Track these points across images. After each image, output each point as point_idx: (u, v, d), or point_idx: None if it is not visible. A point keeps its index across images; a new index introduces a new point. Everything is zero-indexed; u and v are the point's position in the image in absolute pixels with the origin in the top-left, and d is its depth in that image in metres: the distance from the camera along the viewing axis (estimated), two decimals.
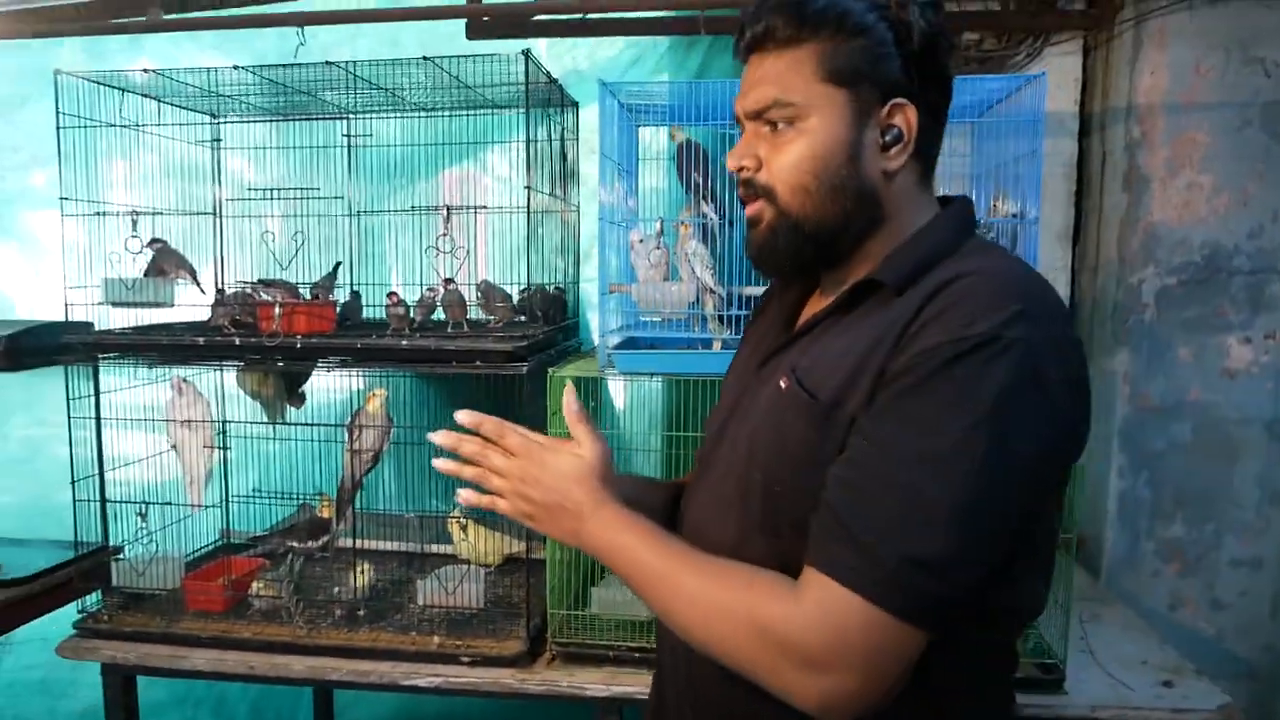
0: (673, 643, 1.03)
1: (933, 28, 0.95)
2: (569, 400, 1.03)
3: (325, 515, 2.25)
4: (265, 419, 2.22)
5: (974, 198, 2.14)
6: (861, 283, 0.96)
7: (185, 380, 2.13)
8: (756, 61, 0.98)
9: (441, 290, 2.09)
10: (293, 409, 2.28)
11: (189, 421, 2.04)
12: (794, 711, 0.85)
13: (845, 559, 0.82)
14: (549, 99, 2.14)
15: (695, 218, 1.98)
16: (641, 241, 2.01)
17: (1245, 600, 2.48)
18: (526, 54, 1.84)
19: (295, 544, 2.12)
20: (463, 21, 2.51)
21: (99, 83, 2.09)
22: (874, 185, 0.96)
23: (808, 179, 0.95)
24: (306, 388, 2.31)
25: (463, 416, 1.02)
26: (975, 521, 0.80)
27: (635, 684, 1.83)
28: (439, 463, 1.04)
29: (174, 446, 2.13)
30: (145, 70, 2.00)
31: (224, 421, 2.26)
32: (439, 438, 1.02)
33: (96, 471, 2.10)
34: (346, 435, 2.09)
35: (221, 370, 2.18)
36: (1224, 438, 2.44)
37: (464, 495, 1.04)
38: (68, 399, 2.02)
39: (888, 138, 0.95)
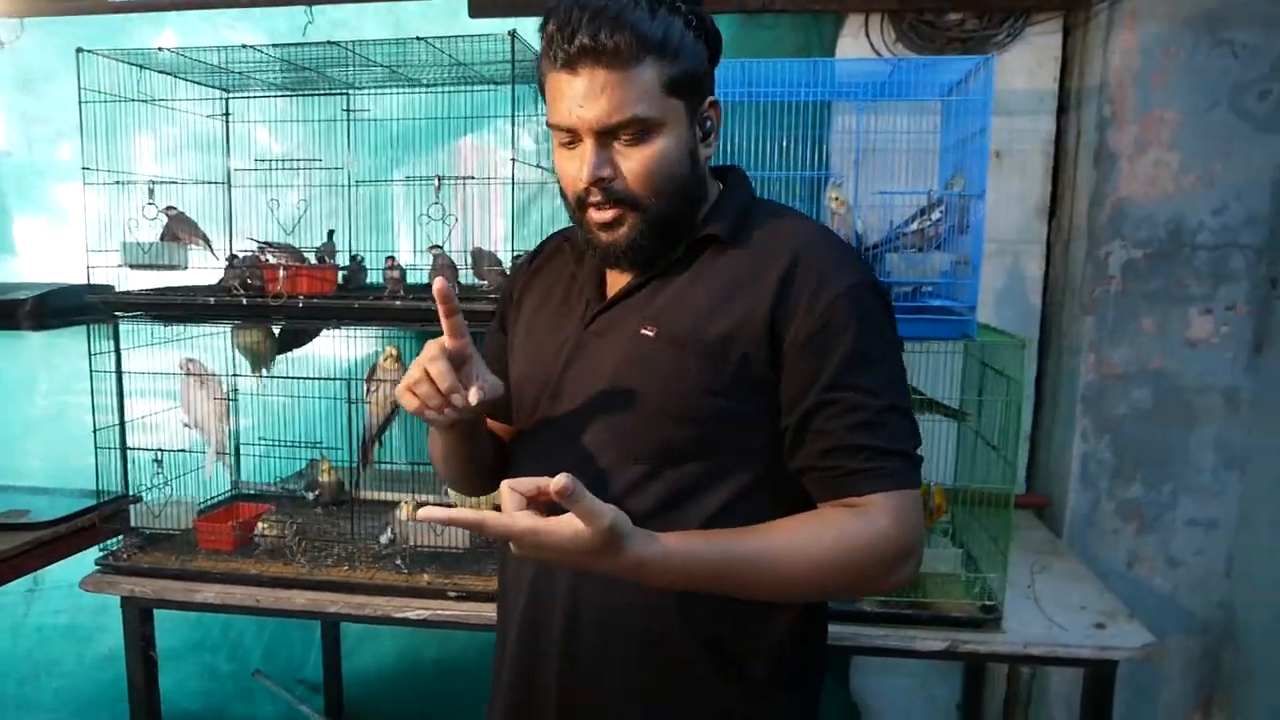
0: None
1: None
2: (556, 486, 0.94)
3: (325, 479, 2.43)
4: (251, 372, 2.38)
5: (939, 172, 2.27)
6: (698, 240, 1.14)
7: (192, 359, 2.26)
8: (590, 74, 1.03)
9: (432, 257, 2.23)
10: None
11: (202, 381, 2.19)
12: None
13: (897, 469, 1.06)
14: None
15: None
16: None
17: (1200, 559, 2.61)
18: (513, 34, 1.97)
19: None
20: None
21: (119, 59, 2.23)
22: (701, 172, 1.16)
23: (665, 183, 1.09)
24: (305, 349, 2.47)
25: (424, 513, 0.94)
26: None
27: None
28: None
29: (195, 425, 2.27)
30: (161, 48, 2.14)
31: (234, 375, 2.41)
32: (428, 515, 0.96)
33: (118, 422, 2.27)
34: (364, 389, 2.23)
35: (231, 330, 2.33)
36: (1183, 404, 2.55)
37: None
38: (90, 355, 2.19)
39: (705, 129, 1.14)
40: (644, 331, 1.11)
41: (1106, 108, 2.48)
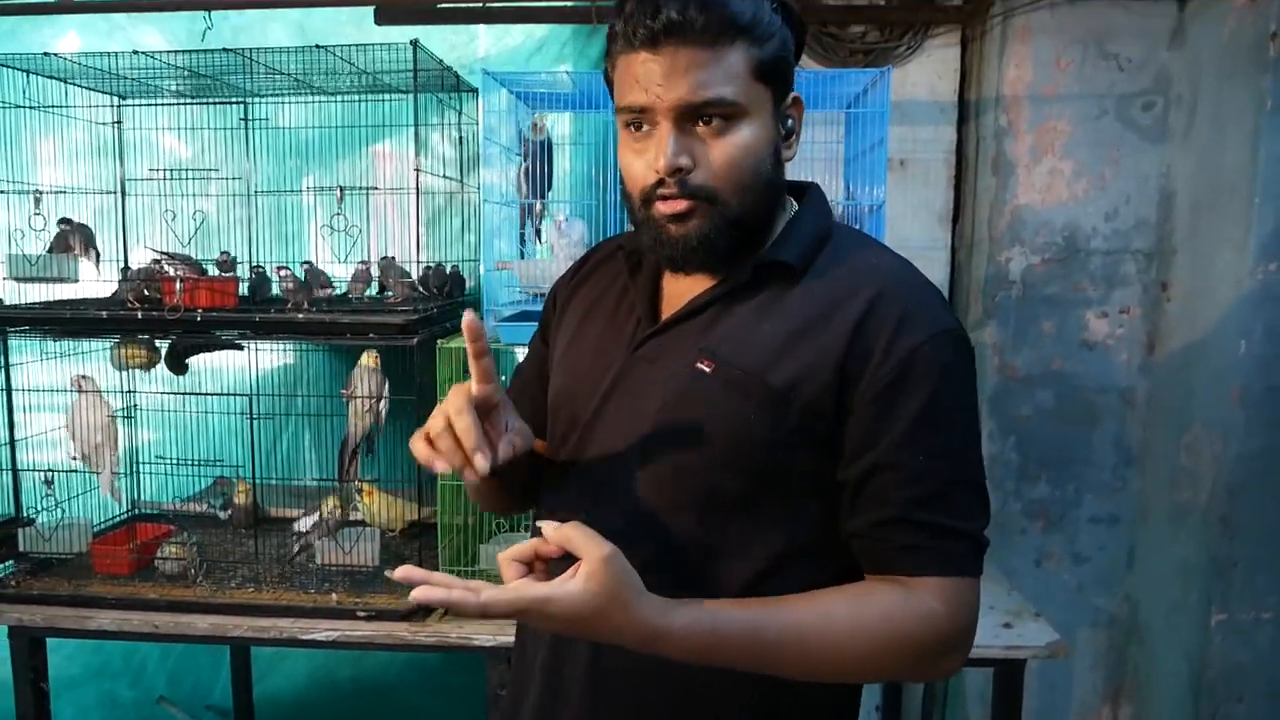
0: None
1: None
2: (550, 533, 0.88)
3: (240, 500, 2.34)
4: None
5: (844, 182, 2.31)
6: (766, 264, 1.01)
7: (85, 377, 2.17)
8: (674, 52, 0.93)
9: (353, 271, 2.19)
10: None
11: (91, 396, 2.11)
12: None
13: (957, 551, 0.95)
14: (443, 84, 2.25)
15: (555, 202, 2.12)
16: (566, 221, 2.14)
17: (1103, 554, 2.69)
18: (415, 43, 1.95)
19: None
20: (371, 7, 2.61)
21: (4, 65, 2.14)
22: (782, 176, 1.04)
23: (749, 178, 0.97)
24: (198, 360, 2.40)
25: (417, 594, 0.84)
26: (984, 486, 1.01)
27: None
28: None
29: (83, 456, 2.17)
30: (49, 54, 2.06)
31: (132, 392, 2.33)
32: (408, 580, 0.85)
33: (7, 440, 2.17)
34: (345, 398, 2.15)
35: (111, 347, 2.24)
36: (1084, 405, 2.64)
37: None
38: None
39: (786, 127, 1.02)
40: (700, 366, 0.99)
41: (1003, 118, 2.56)
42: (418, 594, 0.83)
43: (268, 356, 2.26)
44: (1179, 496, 2.50)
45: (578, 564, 0.85)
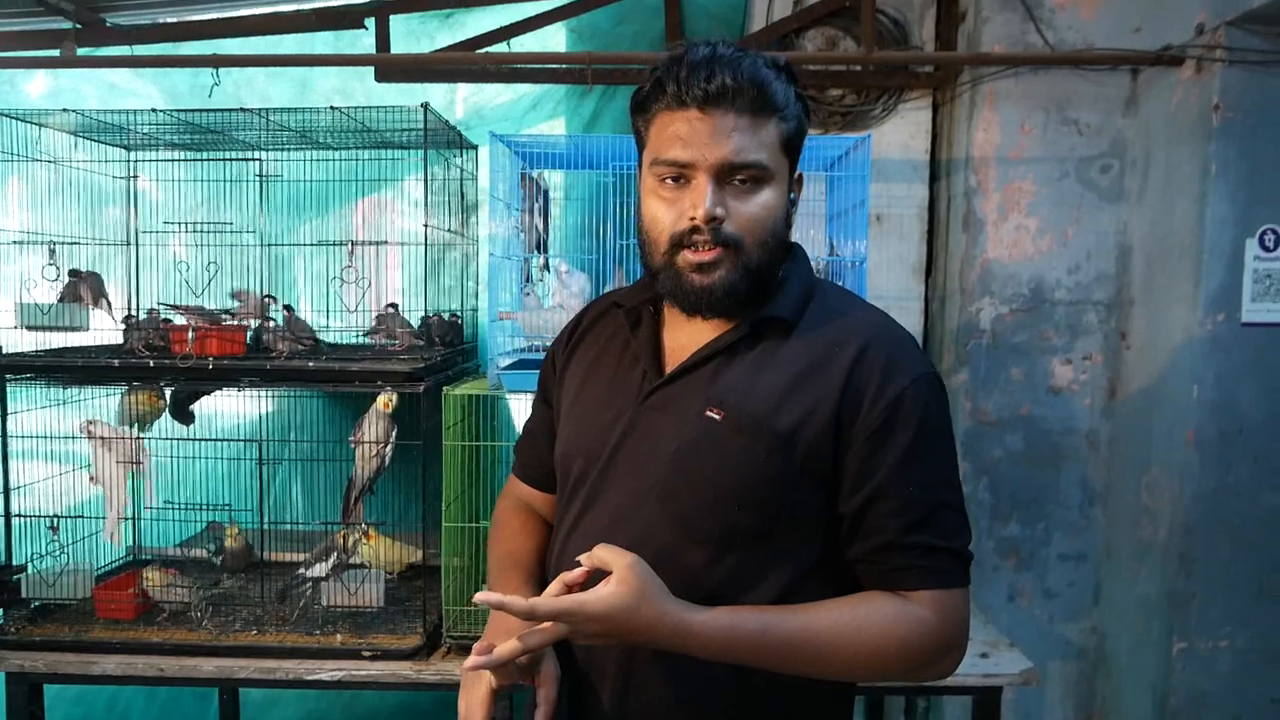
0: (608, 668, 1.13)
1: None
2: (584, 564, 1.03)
3: (231, 544, 2.37)
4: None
5: (827, 238, 2.45)
6: (763, 320, 1.13)
7: (94, 421, 2.20)
8: (722, 115, 1.05)
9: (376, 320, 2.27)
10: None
11: (109, 443, 2.14)
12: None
13: (945, 567, 1.07)
14: (449, 141, 2.35)
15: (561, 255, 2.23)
16: (568, 272, 2.23)
17: (1072, 589, 2.82)
18: (425, 106, 2.05)
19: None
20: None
21: (18, 119, 2.20)
22: (788, 236, 1.17)
23: (768, 234, 1.10)
24: (207, 407, 2.44)
25: (478, 597, 1.01)
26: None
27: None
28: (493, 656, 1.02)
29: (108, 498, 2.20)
30: (65, 110, 2.13)
31: (140, 438, 2.37)
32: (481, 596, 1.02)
33: (1, 488, 2.18)
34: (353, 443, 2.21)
35: (120, 396, 2.29)
36: (1051, 447, 2.79)
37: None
38: None
39: (791, 198, 1.16)
40: (709, 414, 1.10)
41: (972, 178, 2.73)
42: (478, 596, 1.00)
43: (263, 403, 2.31)
44: (1141, 534, 2.64)
45: (608, 575, 0.99)
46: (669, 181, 1.10)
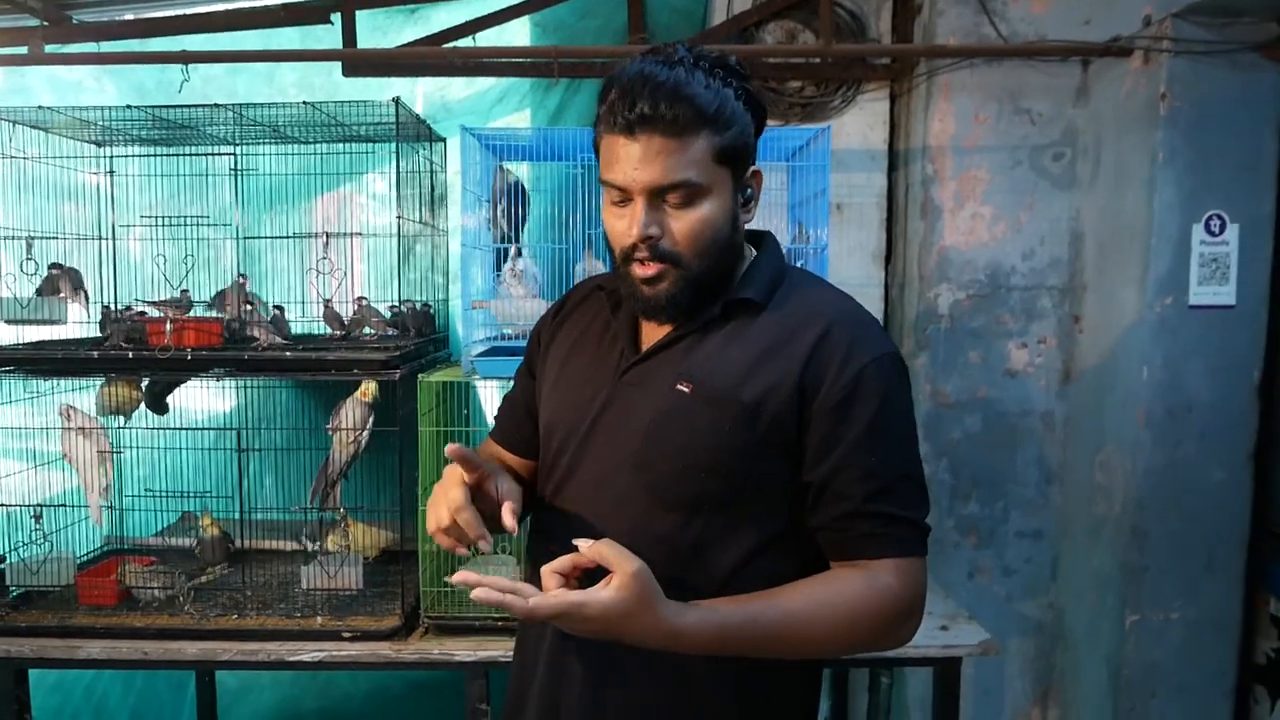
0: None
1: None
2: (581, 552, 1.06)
3: (208, 534, 2.42)
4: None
5: (789, 226, 2.52)
6: (735, 301, 1.20)
7: (72, 408, 2.25)
8: (647, 139, 1.10)
9: (323, 308, 2.32)
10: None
11: (84, 429, 2.19)
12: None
13: (906, 536, 1.14)
14: (418, 134, 2.40)
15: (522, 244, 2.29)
16: (518, 258, 2.29)
17: (1030, 566, 2.92)
18: (397, 101, 2.10)
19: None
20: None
21: None
22: (739, 236, 1.23)
23: (707, 246, 1.15)
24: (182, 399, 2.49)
25: (478, 593, 1.03)
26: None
27: (499, 648, 2.09)
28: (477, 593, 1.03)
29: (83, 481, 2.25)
30: (40, 107, 2.16)
31: (119, 428, 2.41)
32: (458, 577, 1.05)
33: None
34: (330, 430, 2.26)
35: (97, 389, 2.33)
36: (1008, 428, 2.88)
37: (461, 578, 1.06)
38: None
39: (745, 196, 1.21)
40: (679, 387, 1.17)
41: (929, 167, 2.81)
42: (477, 593, 1.01)
43: (237, 394, 2.36)
44: (1095, 510, 2.74)
45: (610, 575, 1.03)
46: (615, 200, 1.17)
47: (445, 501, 1.13)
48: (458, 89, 2.93)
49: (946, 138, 2.79)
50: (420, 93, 2.98)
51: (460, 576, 1.03)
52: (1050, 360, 2.87)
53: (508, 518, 1.14)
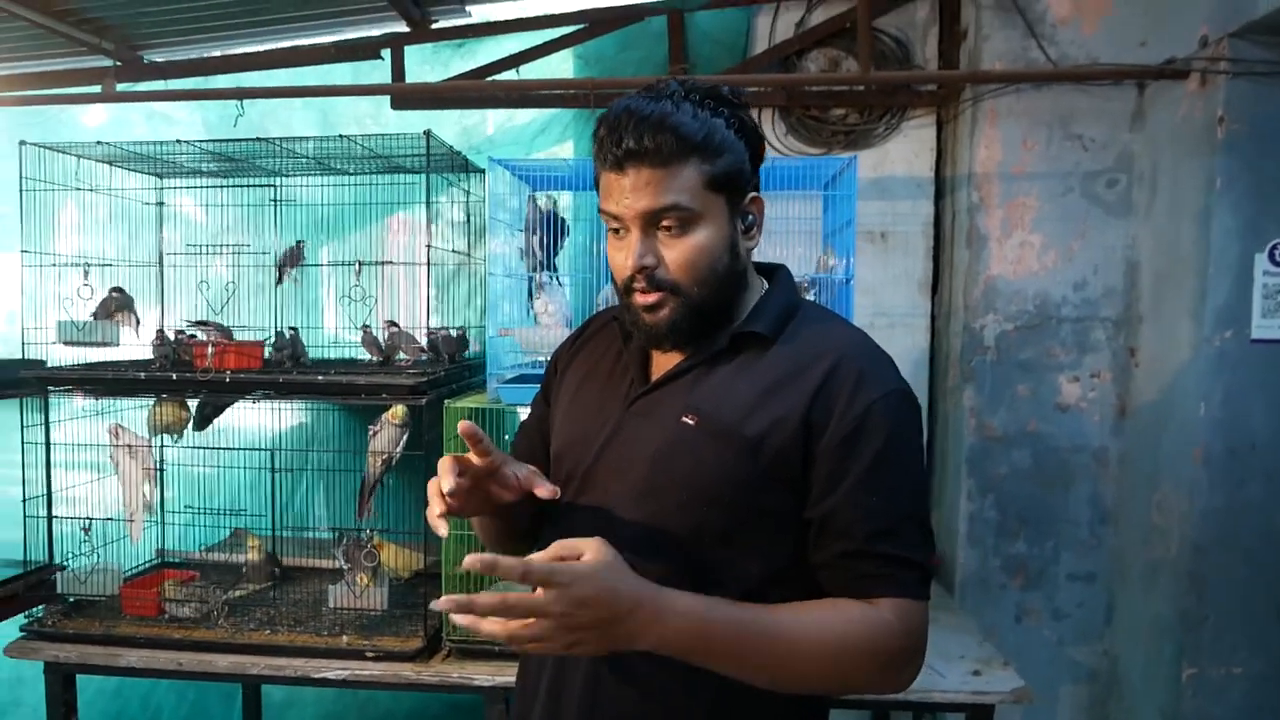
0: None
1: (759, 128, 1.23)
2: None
3: (252, 556, 2.50)
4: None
5: (823, 254, 2.49)
6: (743, 334, 1.19)
7: (121, 426, 2.37)
8: (636, 172, 1.11)
9: (361, 334, 2.39)
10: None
11: (130, 447, 2.30)
12: None
13: (907, 578, 1.11)
14: (453, 166, 2.47)
15: (550, 273, 2.31)
16: (545, 287, 2.32)
17: (1082, 610, 2.79)
18: (428, 134, 2.16)
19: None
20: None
21: (59, 150, 2.38)
22: (742, 264, 1.21)
23: (705, 273, 1.15)
24: (229, 420, 2.59)
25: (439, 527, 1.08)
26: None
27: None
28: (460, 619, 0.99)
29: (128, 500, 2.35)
30: (100, 142, 2.30)
31: (161, 447, 2.52)
32: (445, 604, 0.98)
33: (44, 492, 2.35)
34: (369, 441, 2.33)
35: (149, 409, 2.44)
36: (1059, 464, 2.77)
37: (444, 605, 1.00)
38: (22, 426, 2.29)
39: (746, 223, 1.20)
40: (685, 419, 1.17)
41: (975, 194, 2.75)
42: (467, 560, 0.97)
43: (286, 415, 2.44)
44: (1151, 553, 2.61)
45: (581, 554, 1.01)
46: (614, 231, 1.18)
47: (442, 469, 1.13)
48: (500, 120, 3.00)
49: (993, 164, 2.73)
50: (491, 121, 3.06)
51: (473, 559, 0.97)
52: (1104, 394, 2.75)
53: (542, 490, 1.12)
